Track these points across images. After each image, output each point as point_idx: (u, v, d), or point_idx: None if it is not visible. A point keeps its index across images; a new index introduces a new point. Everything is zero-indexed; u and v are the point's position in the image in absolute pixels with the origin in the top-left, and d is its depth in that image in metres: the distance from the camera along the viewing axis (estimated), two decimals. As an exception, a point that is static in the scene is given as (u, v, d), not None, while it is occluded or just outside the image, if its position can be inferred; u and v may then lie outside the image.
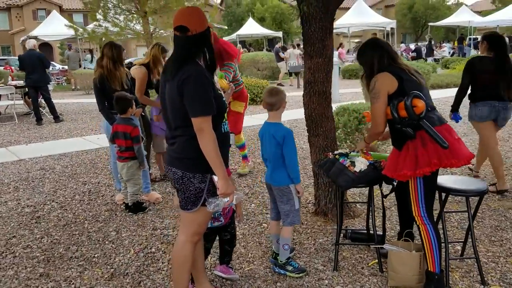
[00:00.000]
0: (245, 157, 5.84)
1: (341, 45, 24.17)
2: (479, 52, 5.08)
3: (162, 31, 10.93)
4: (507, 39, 6.29)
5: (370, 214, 3.39)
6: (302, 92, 4.01)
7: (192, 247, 2.69)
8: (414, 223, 2.96)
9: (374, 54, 2.97)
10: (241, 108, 5.51)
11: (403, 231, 3.36)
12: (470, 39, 29.12)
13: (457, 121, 5.07)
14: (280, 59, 18.19)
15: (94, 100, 5.01)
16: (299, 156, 5.97)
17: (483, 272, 3.07)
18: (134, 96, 4.67)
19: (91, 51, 19.86)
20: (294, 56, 17.34)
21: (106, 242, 3.93)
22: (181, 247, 2.69)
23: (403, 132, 2.80)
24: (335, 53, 22.39)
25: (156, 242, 3.87)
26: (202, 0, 10.62)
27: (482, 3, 51.67)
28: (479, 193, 3.03)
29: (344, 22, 23.79)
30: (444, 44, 29.16)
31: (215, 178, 2.53)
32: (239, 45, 28.71)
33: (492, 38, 4.73)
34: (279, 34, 29.77)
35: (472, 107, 4.75)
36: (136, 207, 4.57)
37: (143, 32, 10.96)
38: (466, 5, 49.22)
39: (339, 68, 17.46)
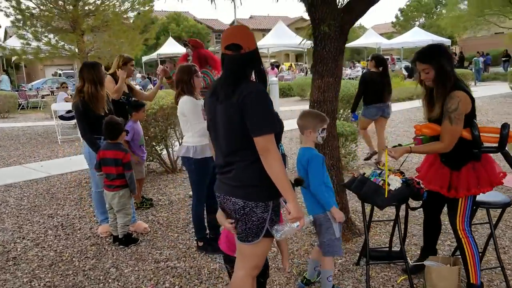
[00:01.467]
0: None
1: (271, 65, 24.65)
2: (369, 68, 6.86)
3: (100, 49, 10.37)
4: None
5: (395, 231, 3.43)
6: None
7: (253, 281, 2.52)
8: (455, 236, 3.03)
9: (444, 60, 2.88)
10: None
11: (428, 246, 3.44)
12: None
13: (356, 120, 6.98)
14: None
15: (16, 124, 4.64)
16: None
17: (508, 280, 3.22)
18: (123, 119, 4.34)
19: (5, 71, 18.34)
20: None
21: (110, 280, 3.56)
22: (241, 283, 2.50)
23: (473, 153, 2.87)
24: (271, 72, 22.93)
25: (167, 276, 3.58)
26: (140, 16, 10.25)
27: (381, 26, 55.69)
28: (502, 205, 3.20)
29: (267, 42, 24.36)
30: (357, 64, 30.99)
31: (281, 201, 2.41)
32: (159, 66, 28.28)
33: (379, 58, 6.65)
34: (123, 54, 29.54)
35: (364, 109, 6.69)
36: (127, 239, 4.22)
37: (78, 52, 10.33)
38: (367, 28, 53.06)
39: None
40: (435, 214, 3.33)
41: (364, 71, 11.66)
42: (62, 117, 10.54)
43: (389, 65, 7.16)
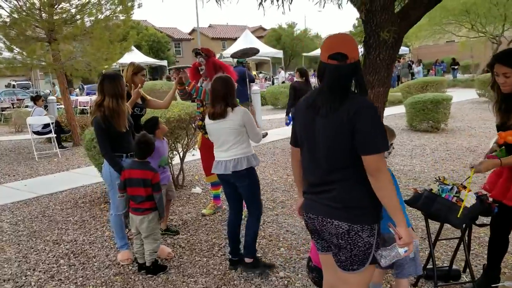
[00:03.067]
0: (216, 197, 5.42)
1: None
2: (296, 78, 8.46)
3: (77, 59, 9.79)
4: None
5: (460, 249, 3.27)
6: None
7: None
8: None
9: None
10: None
11: (493, 264, 3.29)
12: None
13: (290, 122, 7.35)
14: None
15: None
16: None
17: None
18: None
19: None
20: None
21: (151, 316, 3.21)
22: None
23: None
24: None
25: (215, 308, 3.27)
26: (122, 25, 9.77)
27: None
28: None
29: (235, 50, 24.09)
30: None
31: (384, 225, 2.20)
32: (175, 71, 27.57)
33: (302, 70, 8.44)
34: (164, 63, 29.12)
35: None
36: (156, 267, 3.86)
37: (53, 62, 9.72)
38: (322, 37, 53.96)
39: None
40: (504, 231, 3.19)
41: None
42: (37, 133, 9.91)
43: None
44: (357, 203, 2.11)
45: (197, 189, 6.23)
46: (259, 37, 55.92)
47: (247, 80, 9.02)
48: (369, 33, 3.31)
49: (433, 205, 3.03)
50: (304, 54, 37.18)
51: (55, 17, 9.49)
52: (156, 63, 29.41)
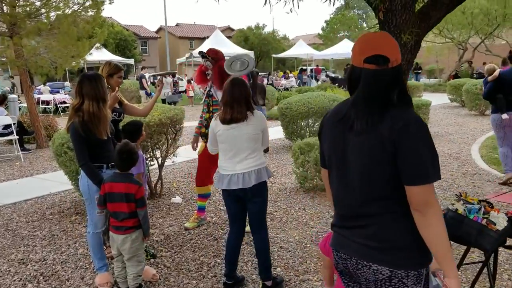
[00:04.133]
0: (201, 209, 4.97)
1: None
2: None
3: (41, 55, 9.11)
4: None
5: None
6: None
7: None
8: None
9: None
10: None
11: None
12: (311, 70, 31.89)
13: None
14: (142, 87, 17.18)
15: None
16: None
17: None
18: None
19: None
20: (167, 84, 16.48)
21: None
22: None
23: None
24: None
25: None
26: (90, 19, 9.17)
27: (305, 37, 57.16)
28: None
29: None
30: (290, 75, 31.10)
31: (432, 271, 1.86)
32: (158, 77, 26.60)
33: (251, 73, 8.61)
34: (131, 61, 28.28)
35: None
36: (141, 292, 3.43)
37: (15, 58, 9.02)
38: (289, 39, 54.15)
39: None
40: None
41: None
42: (-2, 134, 9.21)
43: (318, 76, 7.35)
44: (401, 242, 1.73)
45: (177, 199, 5.79)
46: (227, 37, 55.72)
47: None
48: (399, 36, 2.98)
49: (460, 227, 2.74)
50: (274, 55, 37.06)
51: (17, 10, 8.81)
52: (123, 61, 28.43)
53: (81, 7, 8.90)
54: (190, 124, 11.49)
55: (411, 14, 2.87)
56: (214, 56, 4.42)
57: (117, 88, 4.24)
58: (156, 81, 4.69)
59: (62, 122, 12.73)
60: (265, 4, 3.55)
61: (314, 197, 5.71)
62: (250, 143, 3.26)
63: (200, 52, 4.48)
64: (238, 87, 3.26)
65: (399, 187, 1.69)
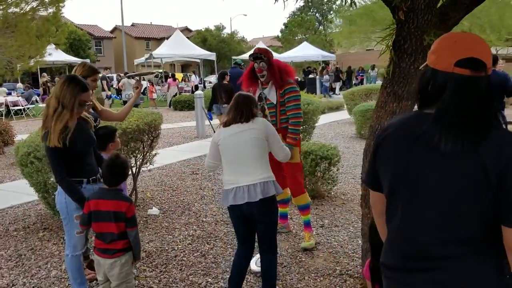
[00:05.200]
0: (308, 224, 4.35)
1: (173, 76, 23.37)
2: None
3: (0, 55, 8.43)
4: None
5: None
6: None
7: None
8: None
9: None
10: (297, 156, 4.17)
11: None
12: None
13: (210, 118, 8.47)
14: (102, 89, 16.51)
15: None
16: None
17: None
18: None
19: None
20: (130, 86, 15.88)
21: None
22: None
23: None
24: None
25: None
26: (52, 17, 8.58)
27: (263, 40, 57.28)
28: None
29: (166, 52, 23.05)
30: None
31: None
32: (43, 74, 25.37)
33: (222, 73, 9.71)
34: (86, 61, 27.17)
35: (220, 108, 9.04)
36: (130, 322, 3.06)
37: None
38: (246, 41, 54.09)
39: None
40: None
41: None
42: None
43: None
44: None
45: (154, 210, 5.41)
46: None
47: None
48: (405, 36, 2.78)
49: None
50: (233, 57, 36.76)
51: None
52: (78, 62, 27.35)
53: (40, 4, 8.30)
54: (165, 127, 11.05)
55: (433, 14, 2.68)
56: (266, 54, 3.99)
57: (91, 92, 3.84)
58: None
59: (16, 127, 11.95)
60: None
61: (299, 205, 5.48)
62: (254, 151, 2.98)
63: (252, 55, 4.04)
64: (243, 96, 3.13)
65: (495, 226, 1.42)
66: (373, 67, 30.21)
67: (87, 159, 3.19)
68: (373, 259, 2.25)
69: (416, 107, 1.67)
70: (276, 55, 21.82)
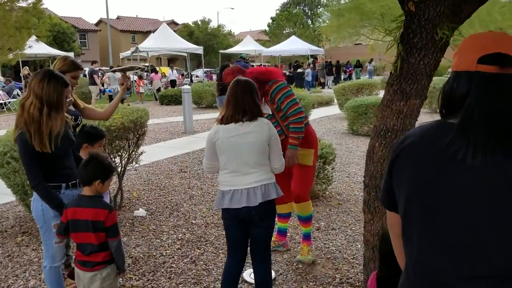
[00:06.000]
0: (308, 237, 3.94)
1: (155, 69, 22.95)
2: None
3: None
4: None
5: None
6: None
7: None
8: None
9: None
10: (310, 159, 3.74)
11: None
12: (261, 66, 31.62)
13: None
14: (93, 82, 16.10)
15: None
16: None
17: None
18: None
19: None
20: (115, 80, 15.49)
21: None
22: None
23: None
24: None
25: None
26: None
27: (250, 34, 56.94)
28: None
29: (152, 45, 22.61)
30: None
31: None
32: (25, 67, 24.71)
33: (223, 66, 8.31)
34: (70, 55, 26.60)
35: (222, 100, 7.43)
36: None
37: None
38: (233, 35, 53.73)
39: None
40: None
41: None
42: None
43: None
44: None
45: (141, 211, 5.13)
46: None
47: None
48: (414, 29, 2.53)
49: None
50: (221, 51, 36.39)
51: None
52: (61, 55, 26.76)
53: (19, -6, 7.91)
54: (151, 122, 10.75)
55: (445, 5, 2.44)
56: (235, 75, 3.50)
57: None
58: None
59: (-4, 122, 11.54)
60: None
61: (293, 206, 5.23)
62: (255, 153, 2.74)
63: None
64: (242, 83, 2.81)
65: None
66: (370, 61, 30.20)
67: (66, 162, 2.90)
68: (381, 269, 2.04)
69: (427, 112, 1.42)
70: (263, 49, 21.70)
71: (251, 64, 23.29)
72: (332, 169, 5.68)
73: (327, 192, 5.70)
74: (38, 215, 2.84)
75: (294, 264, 3.84)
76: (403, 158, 1.38)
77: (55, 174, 2.83)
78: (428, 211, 1.28)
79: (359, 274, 3.60)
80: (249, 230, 2.86)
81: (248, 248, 2.93)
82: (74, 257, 3.23)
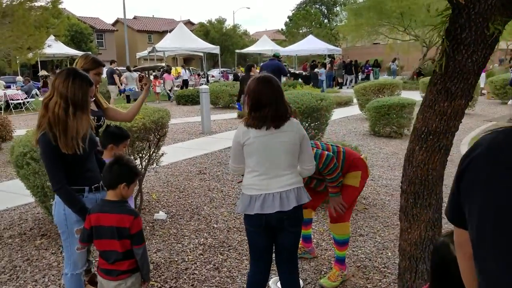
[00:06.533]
0: (341, 261, 3.56)
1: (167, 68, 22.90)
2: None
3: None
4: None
5: None
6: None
7: None
8: None
9: None
10: (357, 180, 3.40)
11: None
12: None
13: (240, 109, 10.08)
14: (113, 82, 16.04)
15: None
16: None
17: None
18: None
19: None
20: (132, 80, 15.45)
21: None
22: None
23: None
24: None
25: None
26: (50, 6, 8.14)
27: (266, 34, 56.75)
28: None
29: (169, 45, 22.59)
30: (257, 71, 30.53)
31: None
32: (42, 70, 24.95)
33: (248, 65, 10.80)
34: (89, 53, 26.75)
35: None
36: None
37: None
38: (249, 34, 53.51)
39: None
40: None
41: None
42: None
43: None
44: None
45: (161, 215, 5.00)
46: (187, 32, 54.56)
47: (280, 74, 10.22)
48: (462, 23, 2.35)
49: None
50: (237, 51, 36.32)
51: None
52: (79, 55, 26.91)
53: (38, -7, 7.86)
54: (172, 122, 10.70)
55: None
56: None
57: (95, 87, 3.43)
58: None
59: (15, 121, 11.56)
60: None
61: (318, 210, 5.04)
62: (288, 155, 2.59)
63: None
64: (272, 84, 2.63)
65: None
66: (393, 60, 29.89)
67: (88, 165, 2.78)
68: (433, 285, 1.87)
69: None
70: (280, 49, 21.68)
71: (284, 63, 23.15)
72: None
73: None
74: (60, 220, 2.72)
75: (323, 272, 3.66)
76: (471, 171, 1.22)
77: (78, 177, 2.71)
78: (509, 235, 1.10)
79: (392, 284, 3.42)
80: (275, 237, 2.70)
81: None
82: (95, 262, 3.12)
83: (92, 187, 2.76)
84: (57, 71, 3.40)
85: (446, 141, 2.70)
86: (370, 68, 29.56)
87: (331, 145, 3.45)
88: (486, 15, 2.28)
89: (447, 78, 2.52)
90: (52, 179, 2.63)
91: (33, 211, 5.28)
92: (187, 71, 24.22)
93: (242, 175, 2.74)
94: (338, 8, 51.50)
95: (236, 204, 2.85)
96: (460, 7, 2.33)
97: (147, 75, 3.91)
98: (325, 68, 25.01)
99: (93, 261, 3.52)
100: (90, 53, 3.91)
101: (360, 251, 4.04)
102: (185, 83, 23.08)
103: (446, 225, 4.09)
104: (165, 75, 21.56)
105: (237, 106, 13.49)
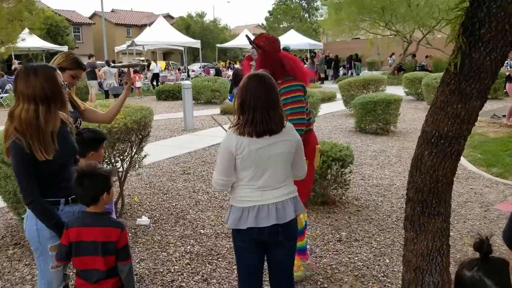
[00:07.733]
0: (302, 250, 3.44)
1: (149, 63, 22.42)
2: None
3: None
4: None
5: None
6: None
7: None
8: None
9: None
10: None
11: None
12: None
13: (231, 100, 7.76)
14: (94, 77, 15.47)
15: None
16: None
17: None
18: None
19: None
20: (111, 75, 14.99)
21: None
22: None
23: None
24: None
25: None
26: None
27: (246, 28, 56.37)
28: None
29: (148, 39, 22.08)
30: (236, 66, 30.14)
31: None
32: (14, 61, 24.14)
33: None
34: (64, 48, 26.02)
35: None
36: None
37: None
38: (229, 29, 53.16)
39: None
40: None
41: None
42: None
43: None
44: None
45: (144, 220, 4.71)
46: (167, 25, 53.80)
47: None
48: (482, 18, 2.14)
49: None
50: (218, 45, 35.88)
51: None
52: (55, 48, 26.12)
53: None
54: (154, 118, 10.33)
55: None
56: (258, 42, 3.25)
57: (69, 88, 3.11)
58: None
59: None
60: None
61: (309, 213, 4.81)
62: (286, 166, 2.37)
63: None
64: (269, 85, 2.35)
65: None
66: (391, 55, 29.96)
67: (65, 174, 2.46)
68: None
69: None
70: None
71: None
72: (350, 173, 5.27)
73: (343, 197, 5.31)
74: (32, 236, 2.42)
75: (319, 283, 3.44)
76: None
77: (53, 188, 2.41)
78: None
79: (393, 295, 3.22)
80: (267, 253, 2.46)
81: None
82: (72, 275, 2.85)
83: (69, 198, 2.46)
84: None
85: (458, 146, 2.49)
86: (352, 63, 29.58)
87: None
88: (508, 9, 2.07)
89: (462, 78, 2.30)
90: (23, 190, 2.32)
91: (5, 216, 4.93)
92: (158, 64, 23.52)
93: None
94: (318, 3, 51.37)
95: (224, 219, 2.58)
96: (480, 0, 2.12)
97: (128, 73, 3.61)
98: (307, 62, 24.88)
99: (70, 273, 3.23)
100: (73, 52, 3.57)
101: (356, 258, 3.83)
102: (155, 76, 22.27)
103: (453, 233, 3.88)
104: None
105: (228, 98, 14.64)
